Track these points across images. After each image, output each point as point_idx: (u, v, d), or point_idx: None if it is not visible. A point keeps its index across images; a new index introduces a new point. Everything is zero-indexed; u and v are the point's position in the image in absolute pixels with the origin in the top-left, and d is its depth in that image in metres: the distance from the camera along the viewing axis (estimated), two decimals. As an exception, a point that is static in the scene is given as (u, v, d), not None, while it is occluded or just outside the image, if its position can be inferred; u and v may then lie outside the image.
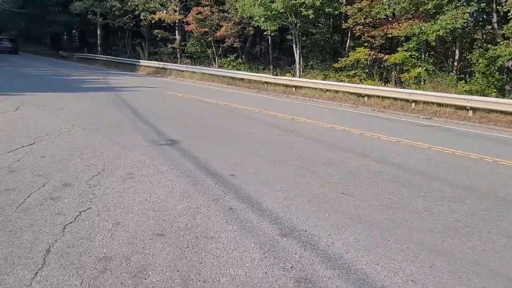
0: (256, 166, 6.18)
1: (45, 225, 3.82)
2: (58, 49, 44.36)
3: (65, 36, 53.33)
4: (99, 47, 36.54)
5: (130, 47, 35.34)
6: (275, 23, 20.51)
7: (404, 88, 16.76)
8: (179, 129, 8.70)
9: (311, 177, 5.83)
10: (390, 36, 18.25)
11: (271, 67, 26.56)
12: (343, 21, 23.15)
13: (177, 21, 29.04)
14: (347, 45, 24.55)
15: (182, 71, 25.22)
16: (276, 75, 21.98)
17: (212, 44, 27.43)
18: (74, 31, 51.67)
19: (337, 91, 16.75)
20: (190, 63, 28.06)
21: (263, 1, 19.24)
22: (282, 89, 18.81)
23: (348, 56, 20.57)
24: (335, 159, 6.99)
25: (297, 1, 18.78)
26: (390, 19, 19.16)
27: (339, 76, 20.81)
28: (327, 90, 17.10)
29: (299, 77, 20.86)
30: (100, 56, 34.37)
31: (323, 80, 19.43)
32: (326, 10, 19.02)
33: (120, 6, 30.84)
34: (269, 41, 26.77)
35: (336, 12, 20.00)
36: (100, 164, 5.80)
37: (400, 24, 17.38)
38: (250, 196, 4.90)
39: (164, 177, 5.39)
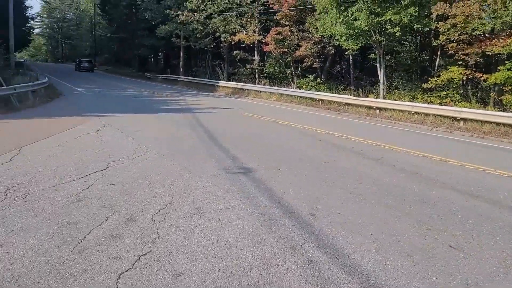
0: (339, 204, 5.35)
1: (99, 273, 3.34)
2: (144, 71, 46.86)
3: (151, 59, 56.35)
4: (181, 69, 37.89)
5: (210, 68, 36.17)
6: (358, 42, 19.53)
7: (506, 111, 14.85)
8: (254, 155, 8.13)
9: (406, 221, 4.88)
10: (490, 53, 16.43)
11: (352, 87, 25.45)
12: (432, 38, 21.57)
13: (256, 42, 29.13)
14: (436, 64, 22.80)
15: (260, 91, 25.05)
16: (358, 96, 20.88)
17: (291, 64, 27.04)
18: (159, 54, 54.44)
19: (427, 114, 15.30)
20: (268, 84, 27.88)
21: (345, 20, 18.42)
22: (364, 111, 17.69)
23: (439, 75, 18.93)
24: (433, 197, 5.94)
25: (382, 18, 17.71)
26: (487, 35, 17.33)
27: (428, 97, 19.19)
28: (415, 112, 15.70)
29: (383, 98, 19.58)
30: (182, 77, 35.54)
31: (410, 101, 17.99)
32: (414, 27, 17.69)
33: (201, 28, 31.73)
34: (350, 60, 25.75)
35: (426, 29, 18.54)
36: (168, 195, 5.35)
37: (502, 40, 15.55)
38: (334, 244, 4.10)
39: (235, 214, 4.77)
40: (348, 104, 18.88)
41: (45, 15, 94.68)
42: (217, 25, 30.27)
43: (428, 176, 7.17)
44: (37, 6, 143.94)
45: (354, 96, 21.01)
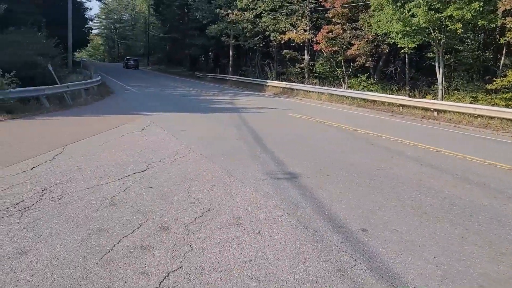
0: (395, 219, 4.75)
1: (122, 291, 3.00)
2: (195, 70, 47.45)
3: (202, 58, 57.00)
4: (230, 68, 37.91)
5: (259, 67, 35.89)
6: (415, 40, 18.42)
7: None
8: (301, 159, 7.62)
9: (475, 242, 4.21)
10: None
11: (407, 88, 24.19)
12: (497, 35, 20.02)
13: (306, 40, 28.47)
14: (501, 64, 21.13)
15: (309, 91, 24.40)
16: (414, 97, 19.73)
17: (342, 63, 26.15)
18: (210, 53, 54.94)
19: (491, 117, 14.05)
20: (318, 83, 27.15)
21: (401, 16, 17.41)
22: (420, 113, 16.62)
23: (505, 76, 17.46)
24: (505, 213, 5.17)
25: (442, 15, 16.55)
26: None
27: (492, 99, 17.76)
28: (478, 115, 14.48)
29: (441, 99, 18.34)
30: (231, 76, 35.53)
31: (472, 103, 16.71)
32: (478, 23, 16.39)
33: (251, 27, 31.49)
34: (406, 59, 24.47)
35: (492, 25, 17.14)
36: (206, 202, 4.97)
37: None
38: (390, 268, 3.54)
39: (277, 227, 4.31)
40: (403, 106, 17.86)
41: (103, 16, 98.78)
42: (267, 24, 29.91)
43: (498, 188, 6.34)
44: (95, 7, 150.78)
45: (409, 97, 19.87)
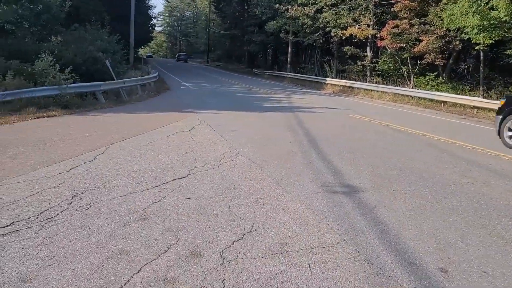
0: (483, 254, 3.77)
1: None
2: (253, 67, 47.12)
3: (260, 55, 56.61)
4: (289, 65, 37.07)
5: (318, 64, 34.74)
6: (493, 35, 16.60)
7: None
8: (361, 169, 6.71)
9: None
10: None
11: (480, 88, 22.09)
12: None
13: (369, 36, 26.99)
14: None
15: (371, 90, 23.02)
16: (492, 99, 17.85)
17: (408, 61, 24.43)
18: (268, 50, 54.38)
19: None
20: (381, 82, 25.62)
21: (479, 9, 15.71)
22: (498, 117, 14.88)
23: None
24: None
25: (527, 6, 14.71)
26: None
27: None
28: None
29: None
30: (288, 73, 34.70)
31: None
32: None
33: (311, 23, 30.46)
34: (481, 56, 22.33)
35: None
36: (249, 219, 4.26)
37: None
38: (485, 334, 2.63)
39: (331, 259, 3.50)
40: (477, 108, 16.16)
41: (166, 14, 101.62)
42: (327, 19, 28.73)
43: None
44: (159, 5, 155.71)
45: (484, 98, 18.01)
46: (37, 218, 4.04)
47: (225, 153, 7.25)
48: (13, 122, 9.48)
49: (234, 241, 3.73)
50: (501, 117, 9.80)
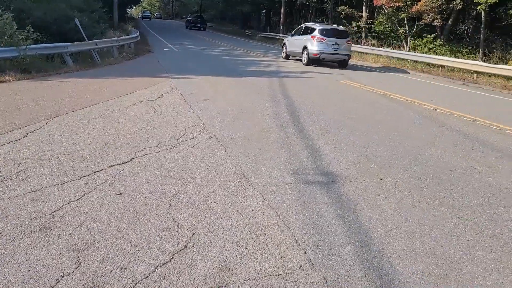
0: (497, 280, 2.78)
1: None
2: (246, 29, 45.14)
3: (254, 16, 54.31)
4: (281, 26, 35.31)
5: (312, 25, 33.01)
6: (498, -8, 15.21)
7: None
8: (346, 149, 5.66)
9: None
10: None
11: (480, 51, 20.81)
12: None
13: (365, -5, 25.32)
14: None
15: (365, 53, 21.66)
16: (491, 62, 16.65)
17: (405, 22, 22.91)
18: (263, 11, 52.01)
19: None
20: (376, 44, 24.18)
21: (485, -38, 14.24)
22: (500, 82, 13.80)
23: None
24: None
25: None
26: None
27: None
28: None
29: (527, 66, 15.25)
30: (281, 35, 32.99)
31: None
32: None
33: (305, -20, 28.57)
34: (482, 17, 20.88)
35: None
36: (188, 228, 3.24)
37: None
38: None
39: (288, 296, 2.50)
40: (478, 73, 15.00)
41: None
42: (322, -24, 26.90)
43: None
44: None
45: (484, 62, 16.80)
46: None
47: (187, 129, 6.16)
48: (-47, 90, 8.27)
49: (157, 267, 2.71)
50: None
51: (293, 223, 3.42)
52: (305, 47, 17.11)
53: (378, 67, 19.05)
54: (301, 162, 4.98)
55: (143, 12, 67.95)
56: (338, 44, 16.64)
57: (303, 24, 19.80)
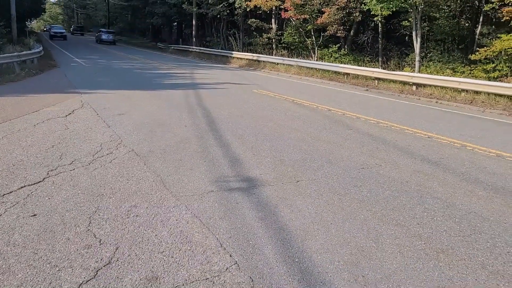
0: (401, 266, 3.11)
1: None
2: (158, 41, 44.47)
3: (165, 28, 53.70)
4: (194, 38, 35.35)
5: (224, 38, 33.54)
6: (391, 5, 16.75)
7: None
8: (263, 154, 5.89)
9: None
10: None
11: (379, 59, 22.68)
12: (476, 2, 18.62)
13: (273, 8, 26.35)
14: (477, 32, 19.85)
15: (277, 63, 22.49)
16: (390, 69, 18.22)
17: (312, 33, 24.27)
18: (174, 23, 51.68)
19: (477, 92, 12.66)
20: (287, 55, 25.24)
21: (378, -21, 15.64)
22: (398, 87, 15.12)
23: (484, 46, 16.11)
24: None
25: (422, -23, 14.89)
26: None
27: (472, 70, 16.48)
28: (462, 90, 13.06)
29: (419, 72, 16.92)
30: (194, 47, 33.08)
31: (453, 76, 15.32)
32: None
33: (214, -7, 29.00)
34: (379, 28, 22.82)
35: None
36: (111, 244, 3.19)
37: None
38: None
39: (216, 297, 2.60)
40: (378, 79, 16.31)
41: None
42: (231, -11, 27.50)
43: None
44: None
45: (384, 69, 18.34)
46: None
47: (103, 144, 5.99)
48: None
49: (80, 285, 2.65)
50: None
51: (217, 229, 3.52)
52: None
53: (289, 76, 19.89)
54: (221, 170, 5.10)
55: (51, 28, 50.08)
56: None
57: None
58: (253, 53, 26.54)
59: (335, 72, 18.72)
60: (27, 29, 45.05)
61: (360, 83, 16.74)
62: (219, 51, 29.65)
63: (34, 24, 78.83)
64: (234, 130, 7.31)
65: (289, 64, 21.58)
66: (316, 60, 22.89)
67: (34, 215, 3.63)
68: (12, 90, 11.15)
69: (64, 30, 49.84)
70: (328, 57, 23.84)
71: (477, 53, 15.75)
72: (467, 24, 21.69)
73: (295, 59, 22.25)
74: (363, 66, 20.28)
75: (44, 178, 4.52)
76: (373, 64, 22.60)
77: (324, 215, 3.92)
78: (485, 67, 16.17)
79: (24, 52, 16.89)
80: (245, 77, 18.12)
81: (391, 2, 16.61)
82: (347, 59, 23.44)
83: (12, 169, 4.76)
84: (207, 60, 28.53)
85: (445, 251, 3.31)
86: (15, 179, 4.46)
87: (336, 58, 23.39)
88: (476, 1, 19.85)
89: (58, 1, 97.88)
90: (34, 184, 4.35)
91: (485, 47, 15.68)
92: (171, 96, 11.33)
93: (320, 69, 19.50)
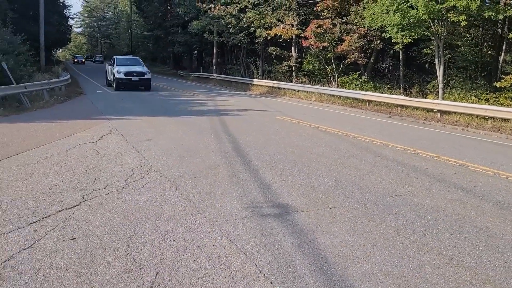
0: (447, 294, 3.03)
1: None
2: (178, 69, 45.41)
3: (186, 57, 54.92)
4: (214, 66, 36.03)
5: (244, 65, 34.07)
6: (412, 33, 16.85)
7: None
8: (293, 181, 5.88)
9: None
10: None
11: (401, 86, 22.67)
12: (499, 29, 18.60)
13: (293, 36, 26.77)
14: (501, 60, 19.75)
15: (298, 90, 22.65)
16: (412, 96, 18.15)
17: (332, 60, 24.49)
18: (195, 51, 52.84)
19: (505, 120, 12.48)
20: (307, 82, 25.42)
21: (399, 7, 15.79)
22: (422, 114, 15.00)
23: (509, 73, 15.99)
24: None
25: (444, 5, 14.99)
26: None
27: (497, 98, 16.31)
28: (490, 117, 12.90)
29: (442, 99, 16.81)
30: (214, 75, 33.65)
31: (479, 103, 15.17)
32: (485, 14, 14.84)
33: (235, 23, 29.63)
34: (400, 55, 22.91)
35: (500, 17, 15.58)
36: (151, 268, 3.19)
37: None
38: None
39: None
40: (401, 106, 16.23)
41: (85, 15, 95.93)
42: (251, 19, 28.10)
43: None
44: (77, 6, 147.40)
45: (406, 96, 18.28)
46: None
47: (134, 169, 6.07)
48: None
49: (124, 310, 2.65)
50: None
51: (254, 255, 3.49)
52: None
53: (310, 103, 19.99)
54: (253, 196, 5.10)
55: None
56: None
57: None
58: (273, 80, 26.82)
59: (356, 99, 18.73)
60: (53, 58, 46.81)
61: (383, 110, 16.68)
62: (239, 79, 30.08)
63: (59, 53, 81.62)
64: (261, 156, 7.32)
65: (309, 91, 21.71)
66: (337, 87, 22.99)
67: (74, 238, 3.67)
68: (43, 116, 11.48)
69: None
70: (348, 84, 23.92)
71: (503, 80, 15.61)
72: (489, 52, 21.64)
73: (316, 86, 22.40)
74: (386, 93, 20.26)
75: (81, 202, 4.58)
76: (394, 91, 22.58)
77: (361, 242, 3.85)
78: (510, 94, 15.98)
79: (53, 80, 17.48)
80: (266, 104, 18.27)
81: (413, 30, 16.70)
82: (368, 86, 23.48)
83: (49, 193, 4.85)
84: (227, 87, 28.93)
85: (492, 283, 3.21)
86: (53, 203, 4.54)
87: (357, 85, 23.45)
88: (498, 29, 19.82)
89: (83, 31, 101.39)
90: (71, 208, 4.41)
91: (510, 74, 15.53)
92: (195, 122, 11.48)
93: (341, 96, 19.55)
